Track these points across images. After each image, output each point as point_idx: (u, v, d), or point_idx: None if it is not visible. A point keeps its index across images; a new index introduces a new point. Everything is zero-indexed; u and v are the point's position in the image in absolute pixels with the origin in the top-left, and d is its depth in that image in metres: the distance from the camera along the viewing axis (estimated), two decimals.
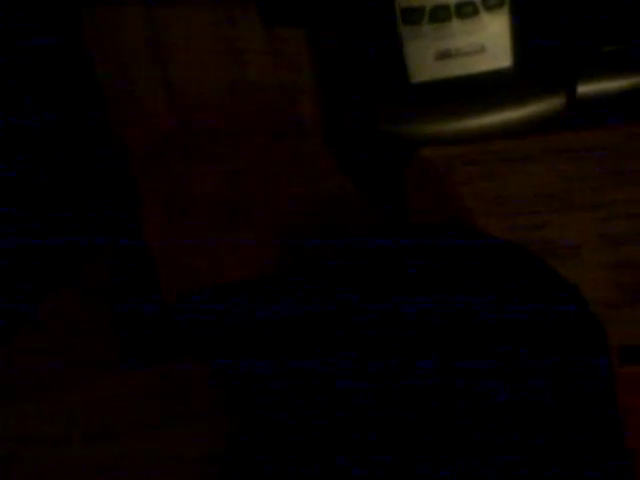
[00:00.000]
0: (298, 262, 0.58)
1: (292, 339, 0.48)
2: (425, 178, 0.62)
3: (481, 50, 0.64)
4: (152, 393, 0.55)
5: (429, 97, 0.65)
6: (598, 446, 0.46)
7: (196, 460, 0.53)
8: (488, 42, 0.64)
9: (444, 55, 0.64)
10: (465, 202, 0.60)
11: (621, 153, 0.61)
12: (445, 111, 0.65)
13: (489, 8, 0.63)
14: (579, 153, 0.61)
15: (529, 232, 0.59)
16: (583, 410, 0.46)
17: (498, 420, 0.45)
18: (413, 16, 0.63)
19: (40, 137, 0.65)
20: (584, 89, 0.64)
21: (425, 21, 0.63)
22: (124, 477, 0.53)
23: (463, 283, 0.48)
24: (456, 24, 0.63)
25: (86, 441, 0.54)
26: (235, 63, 0.65)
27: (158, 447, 0.54)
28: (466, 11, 0.63)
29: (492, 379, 0.45)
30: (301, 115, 0.65)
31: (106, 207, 0.64)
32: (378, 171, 0.66)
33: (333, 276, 0.50)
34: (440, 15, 0.63)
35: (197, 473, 0.53)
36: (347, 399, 0.45)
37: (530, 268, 0.51)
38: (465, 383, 0.45)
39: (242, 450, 0.48)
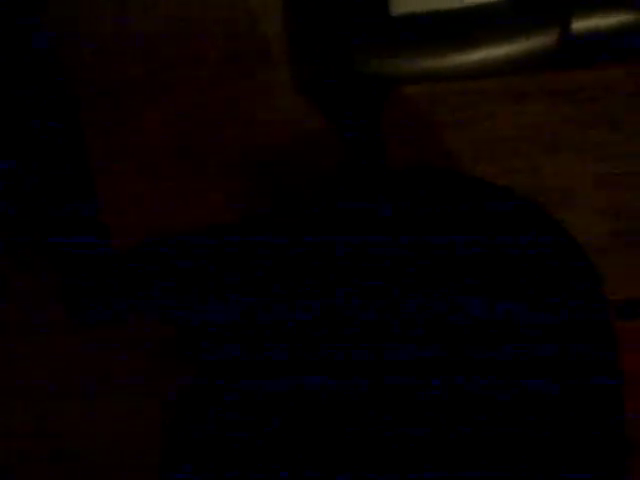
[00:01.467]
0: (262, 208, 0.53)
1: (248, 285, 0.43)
2: (407, 119, 0.57)
3: None
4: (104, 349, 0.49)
5: (411, 31, 0.60)
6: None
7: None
8: None
9: None
10: (451, 146, 0.55)
11: (618, 93, 0.57)
12: (429, 46, 0.60)
13: None
14: (574, 93, 0.57)
15: (520, 176, 0.54)
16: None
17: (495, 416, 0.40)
18: None
19: None
20: (579, 25, 0.59)
21: None
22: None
23: (451, 234, 0.43)
24: None
25: None
26: None
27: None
28: None
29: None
30: (264, 38, 0.59)
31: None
32: (356, 112, 0.60)
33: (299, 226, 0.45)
34: None
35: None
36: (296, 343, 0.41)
37: (520, 211, 0.46)
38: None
39: (193, 398, 0.44)
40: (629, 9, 0.59)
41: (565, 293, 0.44)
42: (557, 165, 0.54)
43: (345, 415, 0.40)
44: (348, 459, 0.39)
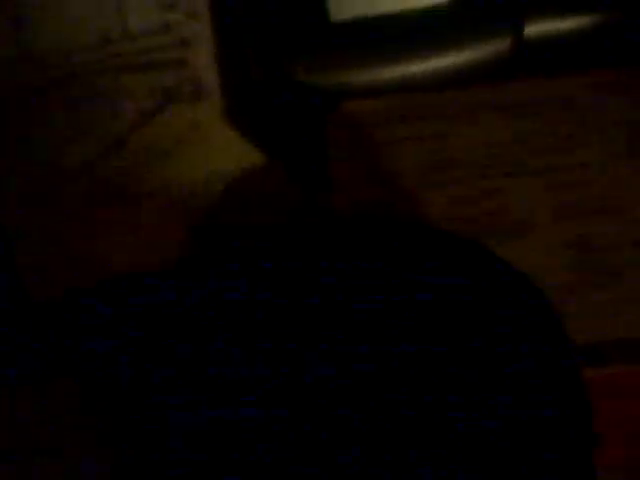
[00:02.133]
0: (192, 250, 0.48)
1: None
2: (350, 138, 0.53)
3: None
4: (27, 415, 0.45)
5: (353, 39, 0.55)
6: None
7: None
8: None
9: None
10: (398, 169, 0.51)
11: (579, 105, 0.52)
12: (372, 56, 0.55)
13: None
14: (530, 106, 0.53)
15: (474, 204, 0.50)
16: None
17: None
18: None
19: None
20: (533, 29, 0.55)
21: None
22: None
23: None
24: None
25: None
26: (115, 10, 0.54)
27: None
28: None
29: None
30: (194, 70, 0.54)
31: None
32: (295, 131, 0.56)
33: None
34: None
35: None
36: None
37: (468, 258, 0.42)
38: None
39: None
40: (588, 11, 0.55)
41: (518, 342, 0.41)
42: (515, 190, 0.50)
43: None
44: None
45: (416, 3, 0.55)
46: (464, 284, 0.41)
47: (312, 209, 0.51)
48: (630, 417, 0.44)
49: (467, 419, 0.38)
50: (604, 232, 0.48)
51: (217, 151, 0.53)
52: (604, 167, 0.50)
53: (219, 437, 0.38)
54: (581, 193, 0.49)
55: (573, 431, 0.39)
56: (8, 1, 0.53)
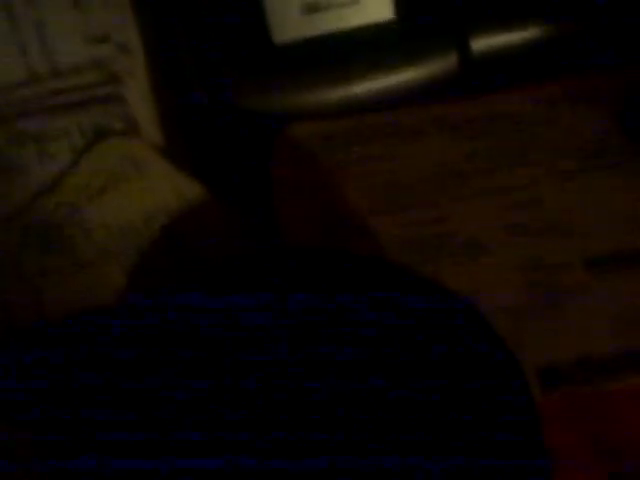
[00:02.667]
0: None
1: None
2: (295, 163, 0.51)
3: (356, 1, 0.53)
4: None
5: (296, 60, 0.54)
6: None
7: None
8: None
9: (312, 8, 0.53)
10: (345, 195, 0.49)
11: (527, 121, 0.51)
12: (316, 77, 0.54)
13: None
14: (478, 124, 0.51)
15: (424, 228, 0.48)
16: None
17: None
18: None
19: None
20: (479, 45, 0.54)
21: None
22: None
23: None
24: None
25: None
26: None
27: None
28: None
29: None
30: (126, 105, 0.53)
31: None
32: (237, 158, 0.54)
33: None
34: None
35: None
36: None
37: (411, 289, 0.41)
38: None
39: None
40: (533, 24, 0.54)
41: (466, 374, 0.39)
42: (466, 212, 0.49)
43: None
44: None
45: (360, 22, 0.54)
46: (407, 322, 0.40)
47: (256, 239, 0.49)
48: (592, 436, 0.43)
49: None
50: (556, 252, 0.47)
51: (154, 185, 0.51)
52: (555, 185, 0.49)
53: None
54: (532, 213, 0.48)
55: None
56: None
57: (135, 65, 0.53)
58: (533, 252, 0.47)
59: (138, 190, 0.50)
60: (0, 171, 0.50)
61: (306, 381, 0.38)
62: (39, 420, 0.39)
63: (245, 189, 0.52)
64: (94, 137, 0.52)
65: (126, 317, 0.41)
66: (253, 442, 0.36)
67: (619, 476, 0.42)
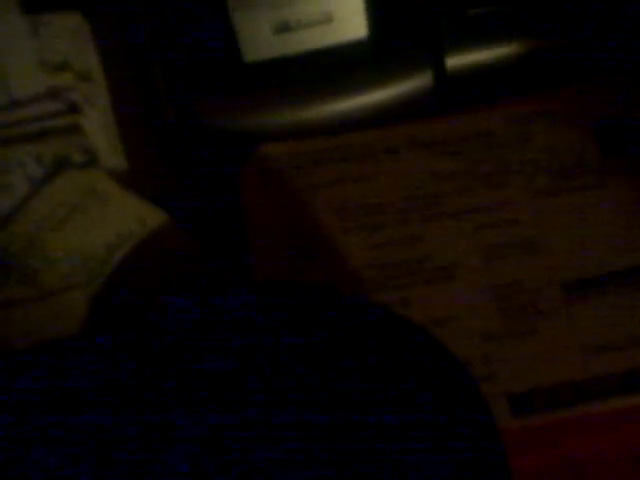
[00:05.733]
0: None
1: None
2: (265, 184, 0.50)
3: (329, 19, 0.52)
4: None
5: (267, 80, 0.53)
6: None
7: None
8: (337, 9, 0.52)
9: (284, 27, 0.52)
10: (316, 216, 0.48)
11: (500, 140, 0.50)
12: (287, 96, 0.53)
13: None
14: (452, 144, 0.50)
15: (397, 249, 0.47)
16: None
17: None
18: None
19: None
20: (454, 62, 0.53)
21: None
22: None
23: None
24: None
25: None
26: None
27: None
28: None
29: None
30: (85, 135, 0.52)
31: None
32: (206, 180, 0.53)
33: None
34: None
35: None
36: None
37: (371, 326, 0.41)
38: None
39: None
40: (510, 40, 0.53)
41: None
42: (437, 234, 0.48)
43: None
44: None
45: (333, 41, 0.53)
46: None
47: (222, 266, 0.48)
48: (563, 462, 0.42)
49: None
50: (531, 274, 0.46)
51: (116, 215, 0.50)
52: (530, 205, 0.48)
53: None
54: (506, 234, 0.47)
55: None
56: None
57: (96, 93, 0.52)
58: (508, 275, 0.46)
59: (100, 220, 0.50)
60: None
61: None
62: None
63: (212, 213, 0.51)
64: (53, 168, 0.51)
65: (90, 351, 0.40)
66: None
67: None
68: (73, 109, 0.51)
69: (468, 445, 0.38)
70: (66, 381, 0.39)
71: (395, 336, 0.40)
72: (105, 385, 0.39)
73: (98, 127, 0.51)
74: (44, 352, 0.41)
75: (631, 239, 0.47)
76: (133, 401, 0.38)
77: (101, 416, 0.37)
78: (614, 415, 0.42)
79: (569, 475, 0.42)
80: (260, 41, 0.52)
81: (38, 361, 0.41)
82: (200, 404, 0.38)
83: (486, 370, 0.44)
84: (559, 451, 0.41)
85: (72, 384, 0.39)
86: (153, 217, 0.50)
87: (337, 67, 0.53)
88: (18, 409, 0.39)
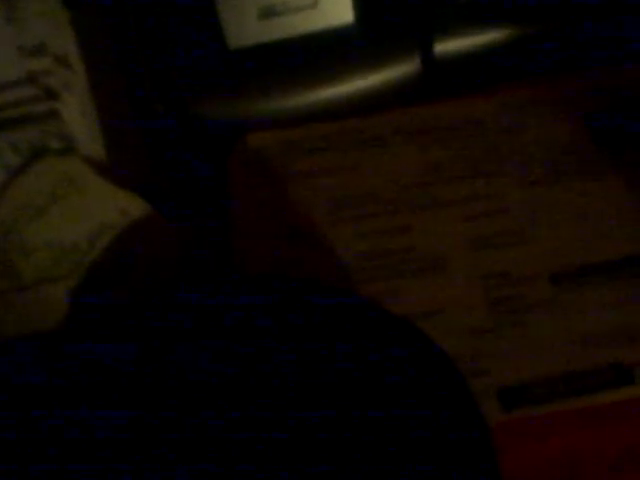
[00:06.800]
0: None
1: None
2: (251, 174, 0.49)
3: (314, 4, 0.51)
4: None
5: (252, 67, 0.52)
6: None
7: None
8: None
9: (269, 12, 0.51)
10: (304, 206, 0.48)
11: (491, 128, 0.50)
12: (273, 83, 0.52)
13: None
14: (441, 132, 0.50)
15: (385, 240, 0.47)
16: None
17: None
18: None
19: None
20: (442, 48, 0.52)
21: None
22: None
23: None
24: None
25: None
26: None
27: None
28: None
29: None
30: (63, 122, 0.51)
31: None
32: (191, 169, 0.52)
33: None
34: None
35: None
36: None
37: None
38: None
39: None
40: (499, 25, 0.52)
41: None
42: (427, 224, 0.47)
43: None
44: None
45: (319, 27, 0.52)
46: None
47: (207, 256, 0.48)
48: (554, 455, 0.42)
49: None
50: (522, 265, 0.45)
51: (96, 204, 0.49)
52: (521, 194, 0.47)
53: None
54: (498, 223, 0.46)
55: None
56: None
57: (74, 79, 0.51)
58: (498, 266, 0.46)
59: (80, 209, 0.48)
60: None
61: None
62: None
63: (198, 203, 0.50)
64: (30, 156, 0.50)
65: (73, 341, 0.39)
66: None
67: None
68: (51, 95, 0.50)
69: (455, 440, 0.37)
70: (64, 379, 0.39)
71: (378, 328, 0.39)
72: (104, 383, 0.38)
73: (76, 114, 0.50)
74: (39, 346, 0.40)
75: (621, 230, 0.46)
76: (131, 401, 0.37)
77: (101, 416, 0.37)
78: (604, 408, 0.42)
79: (560, 469, 0.42)
80: (245, 27, 0.51)
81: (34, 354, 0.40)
82: (194, 401, 0.37)
83: (475, 364, 0.43)
84: (549, 445, 0.41)
85: (70, 381, 0.38)
86: (135, 207, 0.49)
87: (323, 53, 0.52)
88: (13, 403, 0.38)
